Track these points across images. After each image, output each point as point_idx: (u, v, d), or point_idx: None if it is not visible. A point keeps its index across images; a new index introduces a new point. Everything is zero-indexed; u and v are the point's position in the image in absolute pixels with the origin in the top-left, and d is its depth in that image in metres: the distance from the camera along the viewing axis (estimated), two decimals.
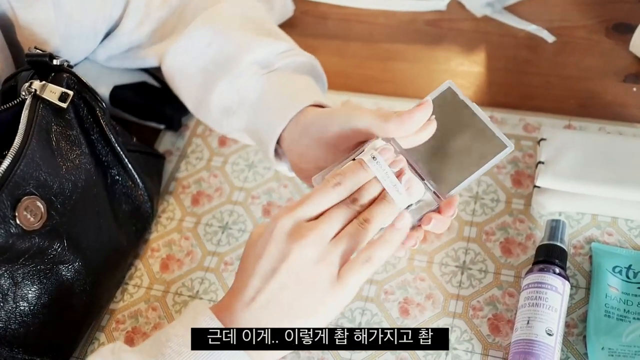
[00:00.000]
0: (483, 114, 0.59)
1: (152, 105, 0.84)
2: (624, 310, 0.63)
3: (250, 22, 0.75)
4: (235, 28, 0.74)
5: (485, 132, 0.59)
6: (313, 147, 0.63)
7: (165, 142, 0.84)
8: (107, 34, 0.79)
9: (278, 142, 0.68)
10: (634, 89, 0.80)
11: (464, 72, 0.85)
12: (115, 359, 0.53)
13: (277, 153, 0.70)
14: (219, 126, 0.74)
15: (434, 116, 0.59)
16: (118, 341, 0.63)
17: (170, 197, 0.79)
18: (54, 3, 0.69)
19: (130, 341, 0.69)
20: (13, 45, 0.72)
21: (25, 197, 0.60)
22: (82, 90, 0.70)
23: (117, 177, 0.73)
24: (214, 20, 0.75)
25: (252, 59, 0.71)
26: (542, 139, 0.73)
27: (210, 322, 0.53)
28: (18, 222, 0.60)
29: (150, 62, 0.80)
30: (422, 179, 0.60)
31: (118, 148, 0.72)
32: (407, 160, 0.60)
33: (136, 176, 0.74)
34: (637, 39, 0.81)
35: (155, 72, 0.85)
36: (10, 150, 0.60)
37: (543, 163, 0.70)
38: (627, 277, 0.66)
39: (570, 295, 0.66)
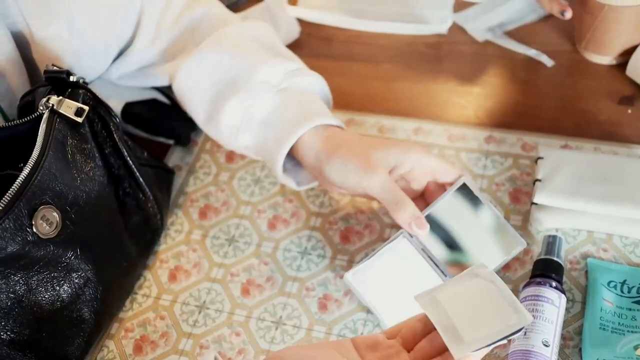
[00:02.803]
0: (496, 210, 0.65)
1: (162, 121, 0.87)
2: (619, 323, 0.65)
3: (259, 43, 0.78)
4: (245, 48, 0.77)
5: (500, 229, 0.65)
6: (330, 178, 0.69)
7: (175, 158, 0.87)
8: (120, 54, 0.82)
9: (292, 155, 0.71)
10: (629, 111, 0.83)
11: (463, 91, 0.88)
12: None
13: (285, 168, 0.73)
14: (227, 142, 0.77)
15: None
16: None
17: (179, 211, 0.81)
18: (68, 21, 0.72)
19: (138, 349, 0.71)
20: (28, 61, 0.75)
21: (42, 207, 0.63)
22: (97, 106, 0.72)
23: (129, 190, 0.75)
24: (223, 40, 0.78)
25: (261, 77, 0.74)
26: (539, 158, 0.75)
27: None
28: (34, 230, 0.62)
29: (161, 81, 0.82)
30: (438, 267, 0.65)
31: (130, 162, 0.74)
32: (423, 247, 0.65)
33: (147, 189, 0.76)
34: (633, 63, 0.84)
35: (165, 90, 0.87)
36: (29, 161, 0.63)
37: (540, 180, 0.73)
38: (622, 291, 0.68)
39: (567, 309, 0.68)
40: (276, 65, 0.75)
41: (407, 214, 0.65)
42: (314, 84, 0.77)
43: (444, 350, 0.52)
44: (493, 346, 0.51)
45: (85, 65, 0.77)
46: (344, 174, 0.68)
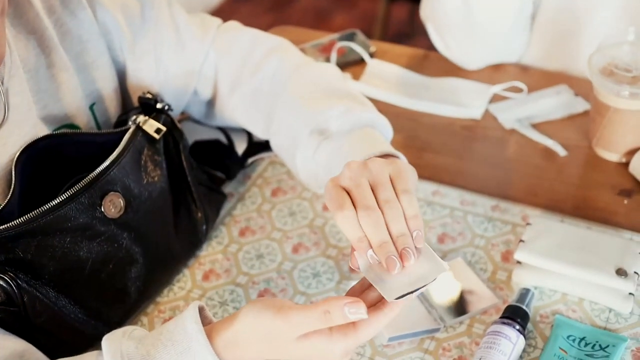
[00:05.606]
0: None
1: (219, 159, 1.04)
2: None
3: (320, 87, 0.90)
4: (306, 99, 0.88)
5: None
6: None
7: (230, 186, 1.04)
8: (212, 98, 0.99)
9: None
10: (625, 202, 0.92)
11: (484, 168, 1.01)
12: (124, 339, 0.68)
13: None
14: (315, 188, 0.88)
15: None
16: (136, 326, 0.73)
17: (223, 227, 0.97)
18: (155, 57, 0.92)
19: None
20: (122, 89, 0.94)
21: (111, 193, 0.80)
22: (173, 129, 0.91)
23: (184, 200, 0.92)
24: (292, 95, 0.90)
25: (309, 130, 0.86)
26: (528, 223, 0.86)
27: None
28: (102, 209, 0.80)
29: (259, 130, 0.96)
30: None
31: (189, 178, 0.92)
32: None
33: (199, 203, 0.92)
34: (635, 162, 0.94)
35: (227, 132, 1.05)
36: (108, 158, 0.81)
37: (524, 241, 0.84)
38: (579, 345, 0.77)
39: (527, 353, 0.77)
40: (321, 113, 0.85)
41: None
42: (363, 119, 0.85)
43: (377, 301, 0.65)
44: (417, 292, 0.63)
45: (168, 96, 0.95)
46: None
